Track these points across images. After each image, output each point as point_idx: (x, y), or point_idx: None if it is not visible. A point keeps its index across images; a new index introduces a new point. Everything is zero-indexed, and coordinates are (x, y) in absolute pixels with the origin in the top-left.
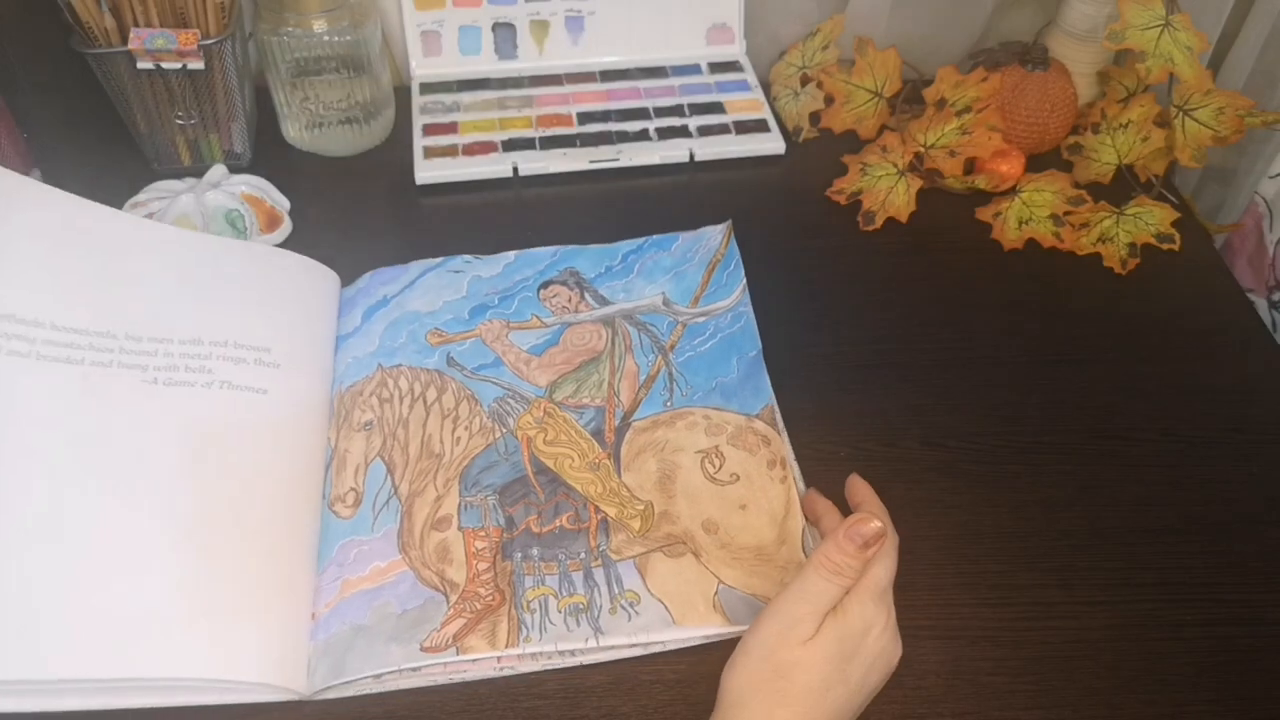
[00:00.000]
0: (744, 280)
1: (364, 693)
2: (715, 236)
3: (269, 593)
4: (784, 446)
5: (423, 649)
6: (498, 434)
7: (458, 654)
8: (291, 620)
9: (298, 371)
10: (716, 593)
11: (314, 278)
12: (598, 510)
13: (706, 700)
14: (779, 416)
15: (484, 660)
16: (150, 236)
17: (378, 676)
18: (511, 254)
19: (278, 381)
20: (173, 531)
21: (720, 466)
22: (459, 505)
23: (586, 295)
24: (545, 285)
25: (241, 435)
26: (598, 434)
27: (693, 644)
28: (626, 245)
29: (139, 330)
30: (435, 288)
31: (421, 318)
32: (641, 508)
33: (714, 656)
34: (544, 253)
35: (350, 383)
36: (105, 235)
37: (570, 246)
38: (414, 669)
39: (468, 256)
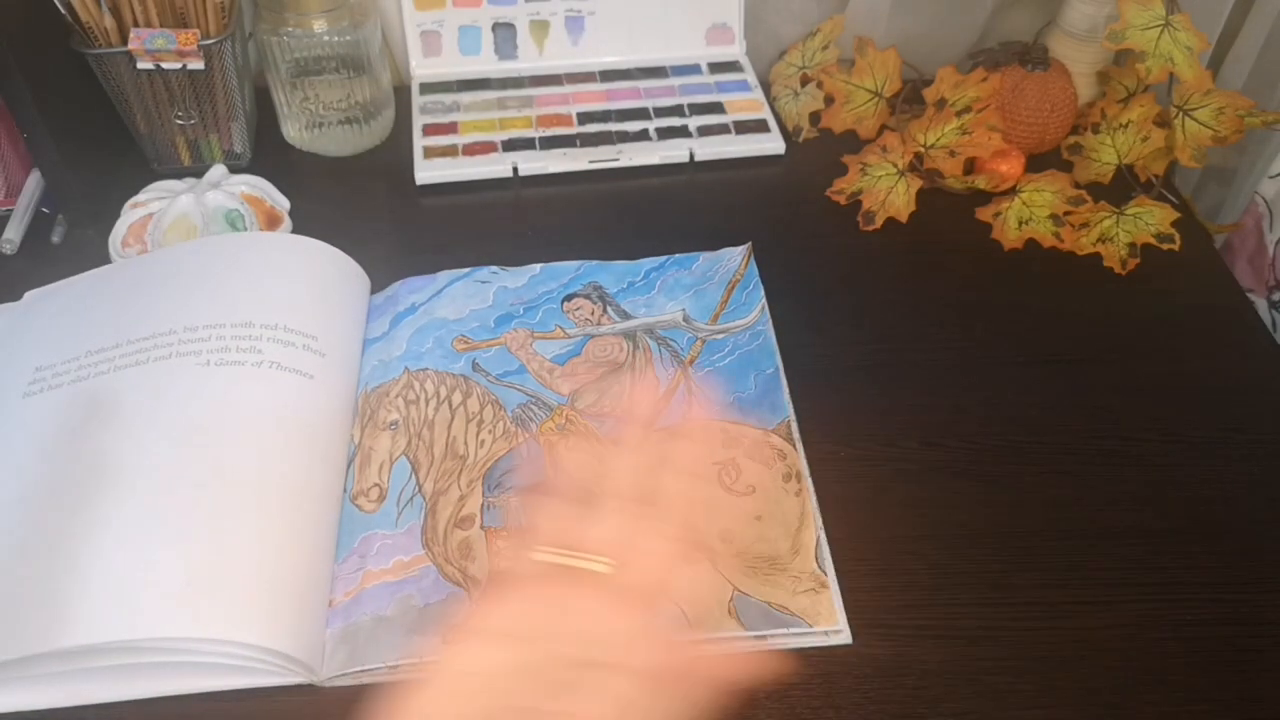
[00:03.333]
0: (763, 300)
1: (377, 681)
2: (735, 257)
3: (292, 571)
4: (800, 460)
5: (444, 642)
6: (521, 438)
7: None
8: (311, 602)
9: (338, 363)
10: (732, 599)
11: (350, 275)
12: None
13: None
14: (796, 431)
15: None
16: (196, 247)
17: (393, 667)
18: (537, 267)
19: (322, 369)
20: (203, 503)
21: (737, 478)
22: (482, 505)
23: (609, 309)
24: (569, 298)
25: (283, 415)
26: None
27: (709, 649)
28: (649, 263)
29: (195, 320)
30: (462, 297)
31: (449, 325)
32: None
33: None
34: (568, 266)
35: (376, 384)
36: (152, 264)
37: (594, 262)
38: (431, 661)
39: (494, 268)
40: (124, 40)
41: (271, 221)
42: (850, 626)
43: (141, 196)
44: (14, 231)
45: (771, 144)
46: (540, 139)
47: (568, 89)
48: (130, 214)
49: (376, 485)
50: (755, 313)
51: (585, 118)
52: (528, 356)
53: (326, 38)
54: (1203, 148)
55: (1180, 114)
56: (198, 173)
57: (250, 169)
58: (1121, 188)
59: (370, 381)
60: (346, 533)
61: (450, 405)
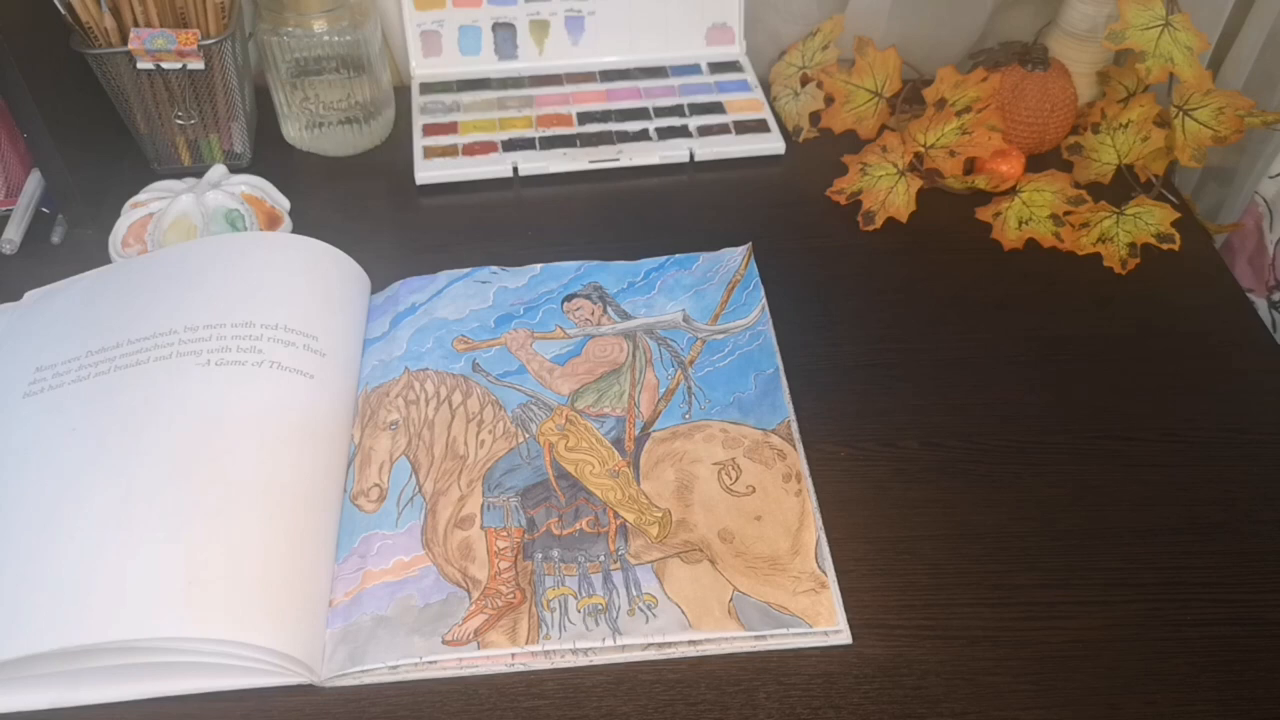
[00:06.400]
0: (763, 300)
1: (377, 681)
2: (736, 257)
3: (292, 571)
4: (800, 461)
5: (444, 642)
6: (520, 438)
7: (479, 649)
8: (311, 602)
9: (338, 363)
10: (731, 599)
11: (350, 275)
12: (617, 516)
13: (707, 700)
14: (796, 431)
15: (498, 656)
16: (196, 247)
17: (393, 667)
18: (537, 267)
19: (323, 369)
20: (204, 503)
21: (737, 478)
22: (482, 505)
23: (609, 309)
24: (569, 298)
25: (283, 415)
26: (618, 443)
27: (709, 649)
28: (649, 263)
29: (195, 320)
30: (462, 297)
31: (449, 325)
32: (659, 515)
33: (715, 657)
34: (569, 267)
35: (376, 384)
36: (157, 263)
37: (594, 262)
38: (431, 661)
39: (494, 268)
40: (124, 40)
41: (271, 221)
42: (850, 626)
43: (141, 196)
44: (14, 231)
45: (771, 144)
46: (540, 139)
47: (568, 89)
48: (130, 214)
49: (376, 485)
50: (755, 313)
51: (585, 118)
52: (528, 356)
53: (326, 38)
54: (1203, 148)
55: (1180, 114)
56: (198, 173)
57: (250, 169)
58: (1121, 188)
59: (370, 381)
60: (346, 533)
61: (450, 405)
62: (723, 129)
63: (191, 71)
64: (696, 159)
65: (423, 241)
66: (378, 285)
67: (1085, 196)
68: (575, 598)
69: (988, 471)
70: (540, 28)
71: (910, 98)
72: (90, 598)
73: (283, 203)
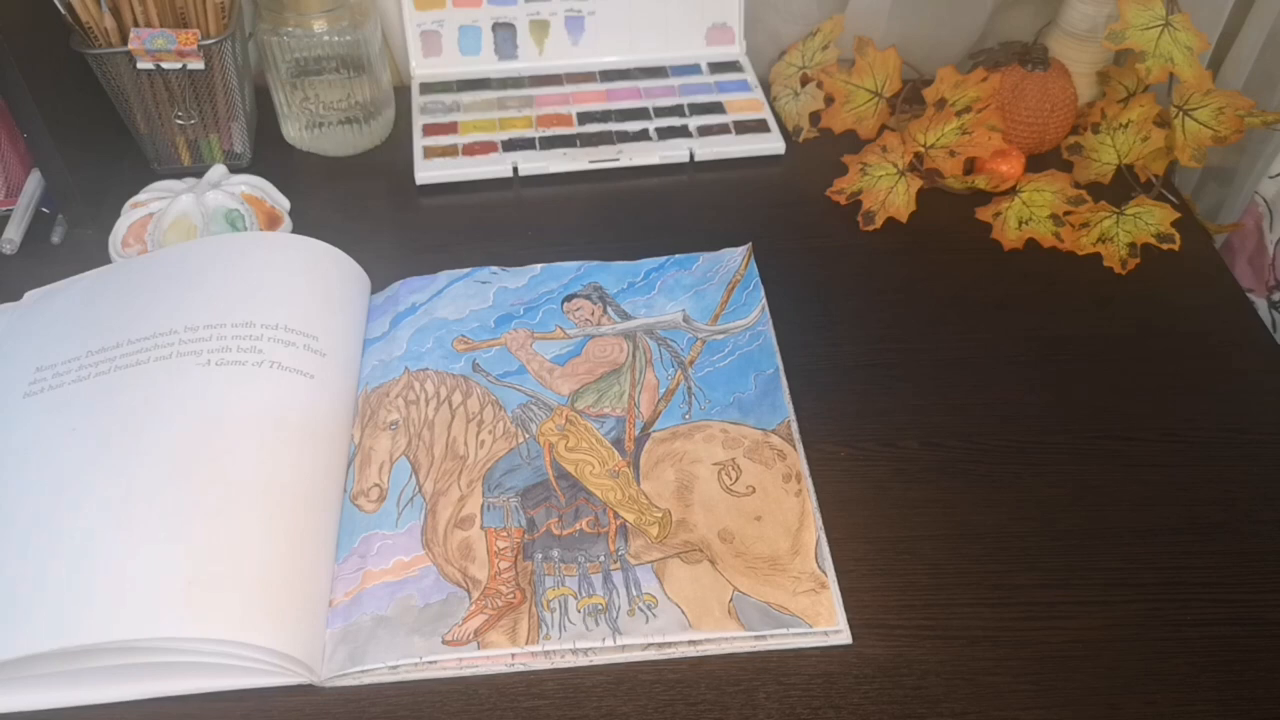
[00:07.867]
0: (763, 300)
1: (377, 681)
2: (736, 258)
3: (293, 571)
4: (800, 461)
5: (444, 642)
6: (520, 439)
7: (479, 649)
8: (311, 602)
9: (338, 363)
10: (731, 599)
11: (350, 275)
12: (617, 516)
13: (706, 700)
14: (796, 432)
15: (498, 656)
16: (196, 247)
17: (393, 667)
18: (537, 267)
19: (323, 369)
20: (204, 503)
21: (737, 478)
22: (482, 506)
23: (609, 309)
24: (569, 298)
25: (283, 415)
26: (618, 443)
27: (709, 649)
28: (649, 263)
29: (196, 320)
30: (462, 297)
31: (449, 325)
32: (659, 515)
33: (715, 657)
34: (569, 267)
35: (376, 384)
36: (158, 262)
37: (594, 262)
38: (431, 661)
39: (494, 268)
40: (124, 40)
41: (271, 221)
42: (850, 626)
43: (141, 196)
44: (14, 231)
45: (771, 144)
46: (540, 139)
47: (568, 89)
48: (130, 214)
49: (376, 485)
50: (755, 313)
51: (585, 118)
52: (528, 357)
53: (326, 38)
54: (1203, 148)
55: (1180, 114)
56: (198, 173)
57: (250, 169)
58: (1121, 188)
59: (370, 381)
60: (346, 533)
61: (450, 405)
62: (723, 129)
63: (191, 71)
64: (696, 159)
65: (423, 241)
66: (378, 285)
67: (1085, 196)
68: (575, 598)
69: (988, 471)
70: (540, 28)
71: (910, 98)
72: (90, 598)
73: (283, 203)
